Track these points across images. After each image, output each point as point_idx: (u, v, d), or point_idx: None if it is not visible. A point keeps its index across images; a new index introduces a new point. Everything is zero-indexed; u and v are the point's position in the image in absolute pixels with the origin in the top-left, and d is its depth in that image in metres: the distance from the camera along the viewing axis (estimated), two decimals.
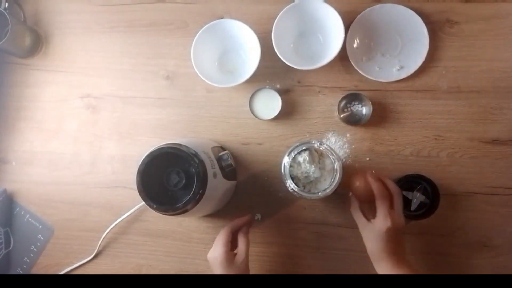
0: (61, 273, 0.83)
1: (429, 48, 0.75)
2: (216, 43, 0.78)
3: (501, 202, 0.74)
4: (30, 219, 0.85)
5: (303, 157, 0.66)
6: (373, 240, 0.63)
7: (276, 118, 0.77)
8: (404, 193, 0.73)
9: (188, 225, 0.81)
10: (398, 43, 0.78)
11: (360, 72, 0.76)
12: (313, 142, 0.66)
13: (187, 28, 0.83)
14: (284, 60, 0.73)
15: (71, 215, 0.84)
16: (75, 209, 0.84)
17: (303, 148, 0.66)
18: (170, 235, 0.81)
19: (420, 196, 0.72)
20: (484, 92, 0.75)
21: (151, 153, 0.61)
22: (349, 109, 0.78)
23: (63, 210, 0.84)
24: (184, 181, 0.60)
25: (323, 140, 0.77)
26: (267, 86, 0.79)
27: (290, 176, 0.66)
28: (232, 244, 0.66)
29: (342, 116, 0.77)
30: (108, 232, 0.80)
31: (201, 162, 0.61)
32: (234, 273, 0.63)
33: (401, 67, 0.76)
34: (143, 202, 0.60)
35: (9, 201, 0.86)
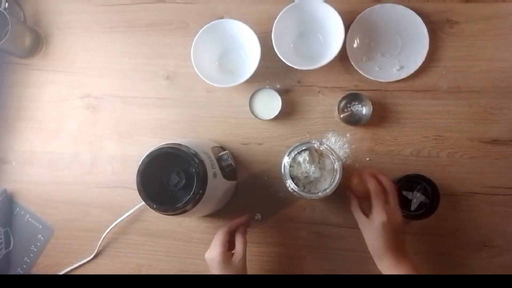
0: (61, 273, 0.83)
1: (429, 48, 0.75)
2: (216, 43, 0.78)
3: (501, 202, 0.74)
4: (30, 219, 0.85)
5: (303, 157, 0.66)
6: (372, 236, 0.64)
7: (276, 118, 0.77)
8: (404, 193, 0.73)
9: (188, 225, 0.81)
10: (398, 43, 0.78)
11: (360, 72, 0.76)
12: (313, 142, 0.66)
13: (187, 28, 0.83)
14: (284, 60, 0.73)
15: (71, 215, 0.84)
16: (75, 209, 0.84)
17: (303, 148, 0.66)
18: (170, 235, 0.81)
19: (420, 196, 0.72)
20: (484, 92, 0.75)
21: (151, 153, 0.61)
22: (349, 109, 0.78)
23: (63, 210, 0.84)
24: (184, 181, 0.60)
25: (323, 140, 0.77)
26: (267, 86, 0.79)
27: (290, 176, 0.65)
28: (229, 244, 0.66)
29: (342, 116, 0.77)
30: (108, 232, 0.80)
31: (201, 162, 0.61)
32: (232, 273, 0.63)
33: (401, 67, 0.76)
34: (143, 202, 0.60)
35: (9, 201, 0.86)
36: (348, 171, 0.73)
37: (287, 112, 0.79)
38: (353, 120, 0.77)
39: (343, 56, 0.76)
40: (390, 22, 0.77)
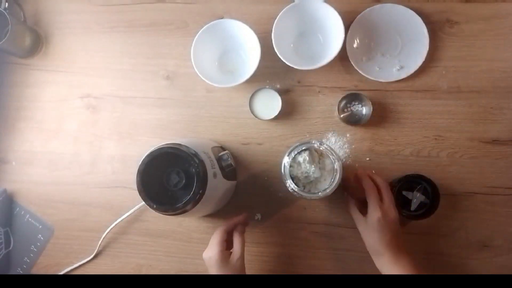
0: (61, 273, 0.83)
1: (429, 48, 0.75)
2: (216, 43, 0.78)
3: (501, 202, 0.74)
4: (30, 219, 0.85)
5: (303, 157, 0.66)
6: (369, 234, 0.65)
7: (276, 118, 0.77)
8: (404, 193, 0.73)
9: (188, 225, 0.81)
10: (398, 43, 0.78)
11: (360, 72, 0.76)
12: (313, 142, 0.66)
13: (187, 28, 0.83)
14: (284, 60, 0.73)
15: (71, 215, 0.84)
16: (75, 209, 0.84)
17: (303, 148, 0.66)
18: (170, 235, 0.81)
19: (420, 196, 0.72)
20: (484, 92, 0.75)
21: (151, 153, 0.61)
22: (349, 109, 0.78)
23: (63, 210, 0.84)
24: (184, 181, 0.60)
25: (323, 140, 0.77)
26: (267, 86, 0.79)
27: (290, 176, 0.65)
28: (227, 243, 0.66)
29: (342, 116, 0.77)
30: (108, 232, 0.80)
31: (201, 162, 0.61)
32: (230, 273, 0.63)
33: (401, 67, 0.76)
34: (143, 202, 0.60)
35: (9, 201, 0.86)
36: (348, 171, 0.73)
37: (287, 112, 0.79)
38: (353, 120, 0.77)
39: (343, 56, 0.76)
40: (390, 22, 0.77)
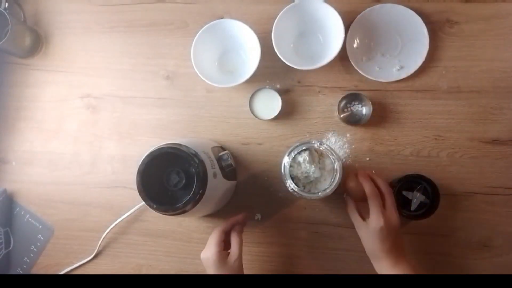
0: (61, 273, 0.83)
1: (429, 48, 0.75)
2: (216, 43, 0.78)
3: (501, 202, 0.74)
4: (30, 219, 0.85)
5: (303, 157, 0.66)
6: (369, 240, 0.64)
7: (276, 118, 0.77)
8: (404, 193, 0.73)
9: (188, 225, 0.81)
10: (398, 43, 0.78)
11: (360, 72, 0.76)
12: (313, 142, 0.66)
13: (187, 28, 0.83)
14: (284, 60, 0.73)
15: (71, 215, 0.84)
16: (75, 209, 0.84)
17: (303, 148, 0.66)
18: (170, 235, 0.81)
19: (420, 196, 0.72)
20: (484, 92, 0.75)
21: (151, 153, 0.61)
22: (349, 109, 0.78)
23: (63, 210, 0.84)
24: (184, 181, 0.60)
25: (323, 140, 0.77)
26: (267, 86, 0.79)
27: (290, 176, 0.65)
28: (225, 243, 0.66)
29: (342, 116, 0.77)
30: (108, 232, 0.80)
31: (201, 162, 0.61)
32: (228, 273, 0.63)
33: (401, 67, 0.76)
34: (143, 202, 0.60)
35: (9, 201, 0.86)
36: (348, 171, 0.73)
37: (287, 112, 0.79)
38: (353, 120, 0.77)
39: (343, 56, 0.76)
40: (390, 22, 0.77)
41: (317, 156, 0.67)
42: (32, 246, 0.84)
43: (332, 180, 0.65)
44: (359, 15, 0.76)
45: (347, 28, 0.75)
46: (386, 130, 0.77)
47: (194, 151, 0.61)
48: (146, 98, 0.83)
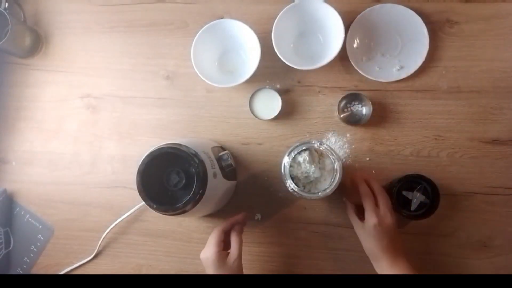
0: (61, 273, 0.83)
1: (429, 48, 0.75)
2: (216, 43, 0.78)
3: (501, 202, 0.74)
4: (30, 219, 0.85)
5: (303, 157, 0.66)
6: (366, 239, 0.65)
7: (276, 118, 0.77)
8: (404, 193, 0.73)
9: (188, 225, 0.81)
10: (398, 43, 0.78)
11: (360, 72, 0.76)
12: (313, 142, 0.66)
13: (187, 28, 0.83)
14: (284, 60, 0.73)
15: (71, 215, 0.84)
16: (75, 209, 0.84)
17: (303, 148, 0.66)
18: (170, 235, 0.81)
19: (420, 196, 0.72)
20: (484, 92, 0.75)
21: (151, 153, 0.61)
22: (349, 109, 0.78)
23: (63, 210, 0.84)
24: (184, 181, 0.60)
25: (323, 140, 0.77)
26: (267, 86, 0.79)
27: (290, 176, 0.65)
28: (225, 243, 0.66)
29: (342, 116, 0.77)
30: (108, 232, 0.80)
31: (201, 162, 0.61)
32: (227, 273, 0.63)
33: (401, 67, 0.76)
34: (143, 202, 0.60)
35: (9, 201, 0.86)
36: (348, 171, 0.73)
37: (287, 112, 0.79)
38: (353, 120, 0.77)
39: (343, 56, 0.76)
40: (390, 22, 0.77)
41: (317, 156, 0.67)
42: (32, 246, 0.84)
43: (332, 180, 0.65)
44: (359, 15, 0.76)
45: (347, 28, 0.75)
46: (386, 130, 0.77)
47: (194, 151, 0.61)
48: (146, 98, 0.83)
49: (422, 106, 0.76)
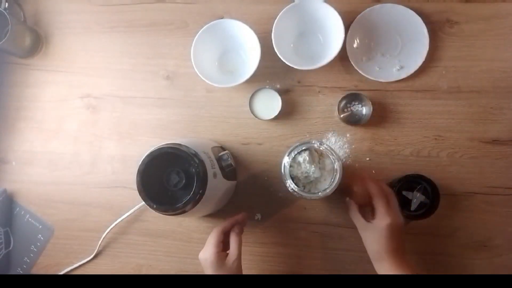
0: (61, 273, 0.83)
1: (429, 48, 0.75)
2: (216, 43, 0.78)
3: (501, 202, 0.74)
4: (30, 219, 0.85)
5: (303, 157, 0.66)
6: (374, 240, 0.63)
7: (276, 118, 0.77)
8: (404, 193, 0.73)
9: (188, 225, 0.81)
10: (398, 43, 0.78)
11: (360, 72, 0.76)
12: (313, 142, 0.66)
13: (187, 28, 0.83)
14: (284, 60, 0.73)
15: (71, 215, 0.84)
16: (75, 209, 0.84)
17: (303, 148, 0.66)
18: (170, 235, 0.81)
19: (420, 196, 0.72)
20: (484, 92, 0.75)
21: (151, 153, 0.61)
22: (349, 109, 0.78)
23: (63, 210, 0.84)
24: (184, 181, 0.60)
25: (323, 140, 0.77)
26: (267, 86, 0.79)
27: (290, 176, 0.65)
28: (224, 244, 0.65)
29: (342, 116, 0.77)
30: (108, 232, 0.80)
31: (201, 162, 0.61)
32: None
33: (401, 67, 0.76)
34: (143, 202, 0.60)
35: (9, 201, 0.86)
36: (348, 171, 0.73)
37: (287, 112, 0.79)
38: (353, 120, 0.77)
39: (343, 56, 0.76)
40: (390, 22, 0.77)
41: (317, 156, 0.67)
42: (32, 246, 0.84)
43: (332, 180, 0.65)
44: (359, 15, 0.76)
45: (347, 28, 0.75)
46: (386, 130, 0.77)
47: (194, 151, 0.61)
48: (146, 98, 0.83)
49: (422, 106, 0.76)
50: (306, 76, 0.79)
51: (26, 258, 0.84)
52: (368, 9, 0.76)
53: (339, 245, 0.76)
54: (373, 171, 0.76)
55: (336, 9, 0.72)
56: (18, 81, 0.88)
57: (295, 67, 0.73)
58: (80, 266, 0.83)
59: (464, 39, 0.76)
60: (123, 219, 0.80)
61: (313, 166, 0.66)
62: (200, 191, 0.60)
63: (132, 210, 0.79)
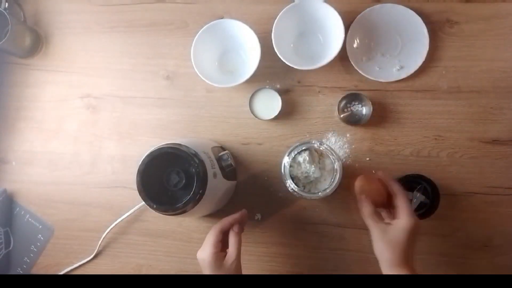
0: (61, 273, 0.83)
1: (429, 48, 0.75)
2: (216, 43, 0.78)
3: (501, 202, 0.74)
4: (30, 219, 0.85)
5: (303, 157, 0.66)
6: (392, 243, 0.59)
7: (276, 118, 0.77)
8: None
9: (188, 225, 0.81)
10: (398, 43, 0.78)
11: (360, 72, 0.76)
12: (313, 142, 0.66)
13: (187, 28, 0.83)
14: (284, 60, 0.73)
15: (71, 215, 0.84)
16: (75, 209, 0.84)
17: (303, 148, 0.66)
18: (170, 235, 0.81)
19: (420, 196, 0.72)
20: (484, 92, 0.75)
21: (151, 153, 0.61)
22: (349, 109, 0.78)
23: (63, 210, 0.84)
24: (184, 181, 0.60)
25: (323, 140, 0.77)
26: (267, 86, 0.79)
27: (290, 176, 0.65)
28: (223, 243, 0.63)
29: (342, 116, 0.77)
30: (108, 232, 0.80)
31: (201, 162, 0.61)
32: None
33: (401, 67, 0.76)
34: (143, 202, 0.60)
35: (9, 201, 0.86)
36: (348, 171, 0.73)
37: (287, 112, 0.79)
38: (353, 120, 0.77)
39: (343, 56, 0.76)
40: (390, 22, 0.77)
41: (317, 156, 0.67)
42: (32, 246, 0.84)
43: (332, 180, 0.65)
44: (359, 15, 0.76)
45: (347, 28, 0.75)
46: (386, 130, 0.77)
47: (194, 151, 0.61)
48: (146, 98, 0.83)
49: (422, 106, 0.76)
50: (306, 76, 0.79)
51: (26, 258, 0.84)
52: (368, 9, 0.76)
53: (339, 245, 0.76)
54: (373, 171, 0.76)
55: (336, 9, 0.72)
56: (18, 81, 0.88)
57: (295, 67, 0.73)
58: (80, 266, 0.83)
59: (464, 39, 0.76)
60: (123, 219, 0.80)
61: (313, 166, 0.66)
62: (200, 191, 0.60)
63: (132, 210, 0.79)
